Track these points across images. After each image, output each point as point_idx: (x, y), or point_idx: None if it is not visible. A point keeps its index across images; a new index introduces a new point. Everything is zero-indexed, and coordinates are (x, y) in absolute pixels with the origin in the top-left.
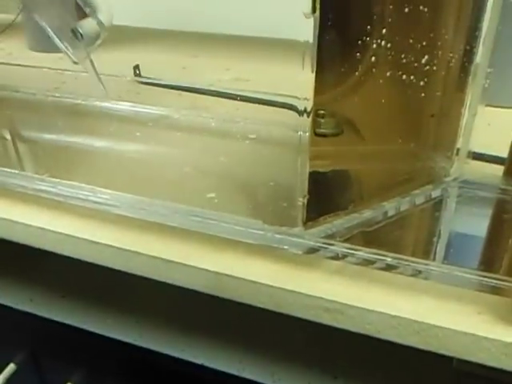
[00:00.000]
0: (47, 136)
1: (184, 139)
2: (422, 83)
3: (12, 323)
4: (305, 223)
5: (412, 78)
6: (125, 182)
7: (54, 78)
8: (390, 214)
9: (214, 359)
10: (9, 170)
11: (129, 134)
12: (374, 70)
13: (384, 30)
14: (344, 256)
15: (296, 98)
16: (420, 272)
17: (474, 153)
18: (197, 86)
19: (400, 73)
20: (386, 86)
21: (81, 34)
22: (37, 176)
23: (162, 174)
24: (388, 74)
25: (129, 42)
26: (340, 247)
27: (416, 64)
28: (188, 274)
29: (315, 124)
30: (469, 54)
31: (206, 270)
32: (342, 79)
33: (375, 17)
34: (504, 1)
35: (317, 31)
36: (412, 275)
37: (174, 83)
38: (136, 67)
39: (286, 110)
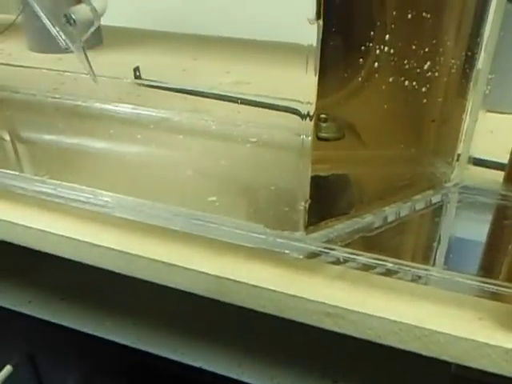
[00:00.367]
0: (48, 137)
1: (185, 142)
2: (423, 89)
3: (9, 325)
4: (306, 228)
5: (414, 83)
6: (126, 184)
7: (53, 79)
8: (391, 219)
9: (214, 362)
10: (9, 171)
11: (130, 137)
12: (376, 75)
13: (387, 36)
14: (345, 261)
15: (297, 101)
16: (420, 277)
17: (475, 158)
18: (197, 89)
19: (402, 78)
20: (388, 92)
21: (74, 20)
22: (37, 178)
23: (163, 177)
24: (390, 79)
25: (129, 43)
26: (341, 252)
27: (418, 70)
28: (189, 278)
29: (317, 128)
30: (470, 60)
31: (208, 274)
32: (344, 84)
33: (378, 23)
34: (506, 8)
35: (320, 37)
36: (413, 281)
37: (174, 86)
38: (136, 69)
39: (286, 114)
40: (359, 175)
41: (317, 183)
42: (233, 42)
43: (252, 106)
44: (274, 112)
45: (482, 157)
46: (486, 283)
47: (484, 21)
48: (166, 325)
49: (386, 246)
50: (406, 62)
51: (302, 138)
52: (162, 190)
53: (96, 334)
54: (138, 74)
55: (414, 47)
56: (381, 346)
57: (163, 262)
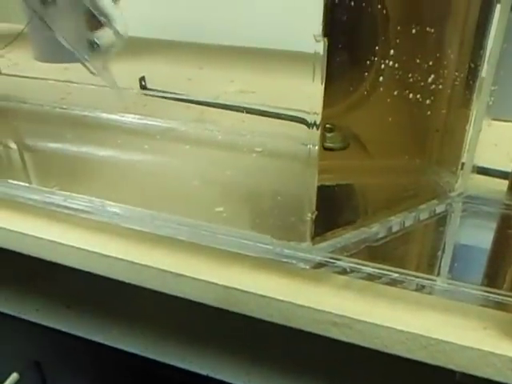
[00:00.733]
0: (56, 148)
1: (191, 152)
2: (427, 101)
3: (16, 332)
4: (313, 238)
5: (418, 96)
6: (133, 194)
7: (60, 89)
8: (396, 228)
9: (221, 370)
10: (19, 183)
11: (137, 147)
12: (381, 88)
13: (392, 51)
14: (351, 271)
15: (303, 111)
16: (425, 287)
17: (479, 168)
18: (203, 99)
19: (406, 91)
20: (393, 104)
21: (97, 45)
22: (46, 189)
23: (170, 187)
24: (395, 92)
25: (133, 53)
26: (347, 262)
27: (422, 83)
28: (198, 288)
29: (323, 138)
30: (473, 72)
31: (216, 284)
32: (350, 96)
33: (383, 38)
34: (509, 19)
35: (327, 53)
36: (418, 290)
37: (179, 95)
38: (142, 79)
39: (290, 123)
40: (364, 185)
41: (323, 193)
42: (237, 51)
43: (257, 115)
44: (278, 121)
45: (486, 166)
46: (491, 293)
47: (486, 33)
48: (173, 333)
49: (391, 255)
50: (410, 75)
51: (308, 148)
52: (170, 200)
53: (103, 342)
54: (143, 83)
55: (417, 61)
56: (387, 355)
57: (171, 272)
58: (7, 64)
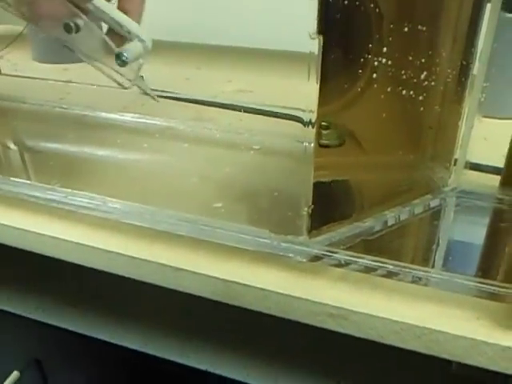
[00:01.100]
0: (56, 147)
1: (190, 150)
2: (420, 98)
3: (16, 330)
4: (309, 232)
5: (411, 92)
6: (133, 191)
7: (59, 89)
8: (391, 222)
9: (219, 365)
10: (21, 180)
11: (136, 145)
12: (375, 85)
13: (385, 49)
14: (347, 263)
15: (299, 109)
16: (420, 279)
17: (471, 163)
18: (201, 98)
19: (400, 88)
20: (387, 101)
21: (126, 57)
22: (48, 186)
23: (169, 184)
24: (389, 89)
25: None
26: (343, 255)
27: (415, 80)
28: (197, 282)
29: (319, 135)
30: (465, 70)
31: (215, 278)
32: (344, 93)
33: (376, 36)
34: (499, 18)
35: (321, 51)
36: (413, 282)
37: (177, 95)
38: (141, 78)
39: (288, 122)
40: (360, 181)
41: (319, 189)
42: (235, 51)
43: (255, 114)
44: (276, 120)
45: (479, 161)
46: (484, 284)
47: (478, 31)
48: (172, 329)
49: (386, 248)
50: (403, 72)
51: (304, 145)
52: (169, 196)
53: (103, 338)
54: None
55: (411, 58)
56: (383, 346)
57: (171, 267)
58: (7, 65)
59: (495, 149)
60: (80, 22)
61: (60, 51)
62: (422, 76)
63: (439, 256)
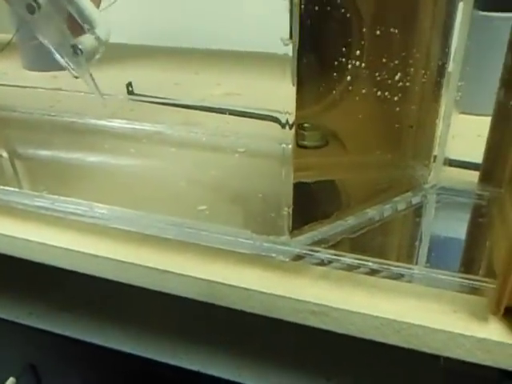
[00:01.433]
0: (45, 154)
1: (177, 154)
2: (396, 98)
3: (10, 337)
4: (291, 232)
5: (387, 93)
6: (121, 196)
7: (49, 97)
8: (373, 220)
9: (211, 366)
10: (9, 188)
11: (123, 151)
12: (351, 87)
13: (360, 52)
14: (329, 262)
15: (278, 111)
16: (402, 275)
17: (451, 160)
18: (187, 102)
19: (379, 90)
20: (365, 102)
21: (80, 50)
22: (36, 193)
23: (156, 188)
24: (368, 91)
25: (120, 59)
26: (325, 254)
27: (390, 81)
28: (183, 283)
29: (300, 137)
30: (440, 70)
31: (200, 279)
32: (322, 96)
33: (350, 39)
34: (471, 18)
35: (295, 55)
36: (394, 278)
37: (164, 99)
38: (129, 84)
39: (274, 124)
40: (342, 180)
41: (300, 189)
42: (223, 55)
43: (239, 116)
44: (262, 122)
45: (457, 158)
46: (465, 279)
47: (451, 33)
48: (164, 331)
49: (368, 246)
50: (379, 74)
51: (282, 147)
52: (155, 200)
53: (96, 342)
54: (130, 89)
55: (385, 60)
56: (372, 344)
57: (157, 269)
58: None
59: (472, 145)
60: (42, 1)
61: (49, 59)
62: (397, 77)
63: (421, 252)
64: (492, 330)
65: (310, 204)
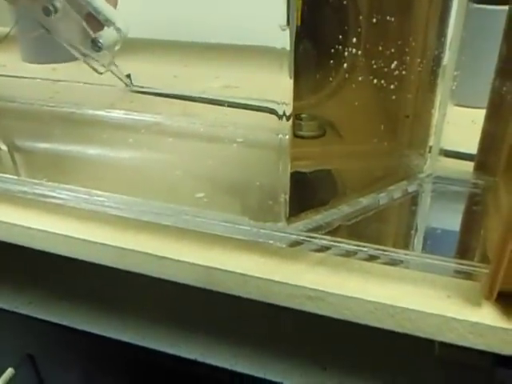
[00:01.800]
0: (45, 144)
1: (175, 144)
2: (392, 87)
3: (9, 326)
4: (288, 218)
5: (383, 82)
6: (120, 184)
7: (48, 88)
8: (368, 208)
9: (209, 355)
10: (9, 176)
11: (122, 141)
12: (348, 76)
13: (356, 40)
14: (325, 248)
15: (275, 102)
16: (397, 261)
17: (446, 150)
18: (186, 94)
19: (372, 78)
20: (362, 91)
21: (101, 43)
22: (36, 181)
23: (154, 177)
24: (362, 79)
25: (119, 52)
26: (321, 240)
27: (386, 69)
28: (180, 270)
29: (297, 127)
30: (436, 59)
31: (197, 265)
32: (319, 85)
33: (347, 27)
34: (468, 8)
35: (293, 42)
36: (390, 264)
37: (162, 91)
38: (128, 76)
39: (271, 116)
40: (338, 169)
41: (297, 178)
42: (221, 48)
43: (237, 108)
44: (260, 113)
45: (453, 148)
46: (460, 264)
47: (447, 22)
48: (162, 320)
49: (364, 233)
50: (374, 62)
51: (279, 138)
52: (154, 189)
53: (94, 331)
54: (129, 80)
55: (381, 48)
56: (368, 331)
57: (155, 256)
58: None
59: (468, 136)
60: (58, 3)
61: (49, 51)
62: (393, 65)
63: (417, 239)
64: (485, 315)
65: (307, 192)
